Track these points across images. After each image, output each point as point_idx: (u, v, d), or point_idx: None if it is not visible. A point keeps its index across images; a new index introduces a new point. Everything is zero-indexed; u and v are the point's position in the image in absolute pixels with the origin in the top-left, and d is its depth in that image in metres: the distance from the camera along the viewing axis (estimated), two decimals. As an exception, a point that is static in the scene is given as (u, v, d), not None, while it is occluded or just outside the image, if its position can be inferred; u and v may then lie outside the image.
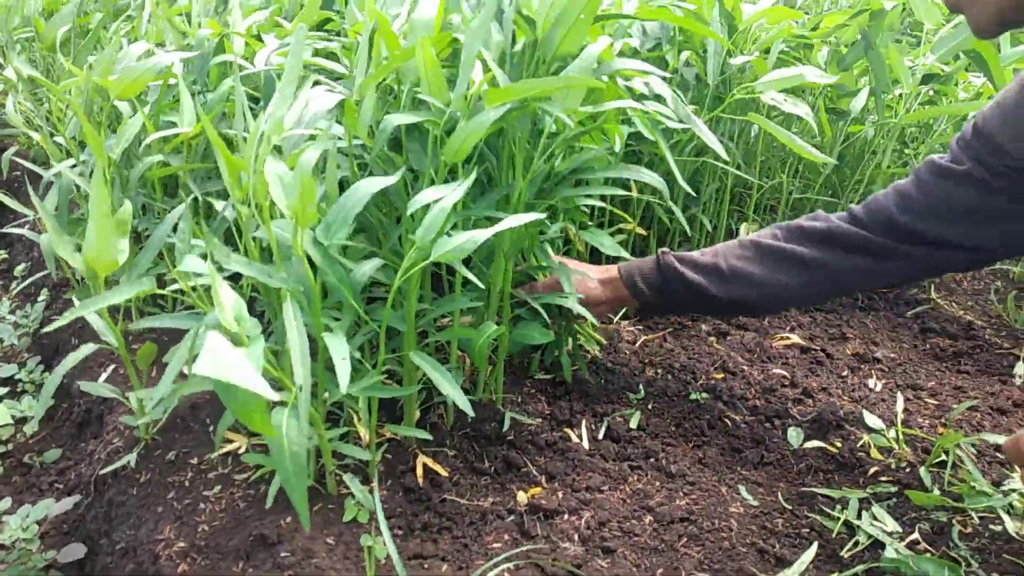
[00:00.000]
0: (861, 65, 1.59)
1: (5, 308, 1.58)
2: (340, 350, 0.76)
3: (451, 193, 0.83)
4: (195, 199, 1.11)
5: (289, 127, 0.83)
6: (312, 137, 0.95)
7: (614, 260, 1.50)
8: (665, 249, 1.17)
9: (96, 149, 0.81)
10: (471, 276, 0.90)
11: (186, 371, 0.94)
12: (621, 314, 1.43)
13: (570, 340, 1.24)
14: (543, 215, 0.89)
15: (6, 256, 1.97)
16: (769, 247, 1.11)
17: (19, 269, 1.80)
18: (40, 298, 1.57)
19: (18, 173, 2.26)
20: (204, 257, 0.81)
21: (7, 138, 2.39)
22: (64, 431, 1.29)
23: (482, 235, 0.81)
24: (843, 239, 1.07)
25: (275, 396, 0.57)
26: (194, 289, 0.84)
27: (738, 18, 1.43)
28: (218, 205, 0.90)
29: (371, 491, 0.92)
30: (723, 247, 1.14)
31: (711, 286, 1.11)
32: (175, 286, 0.93)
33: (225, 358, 0.58)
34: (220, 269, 0.77)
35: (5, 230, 1.62)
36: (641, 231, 1.54)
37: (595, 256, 1.55)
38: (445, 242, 0.81)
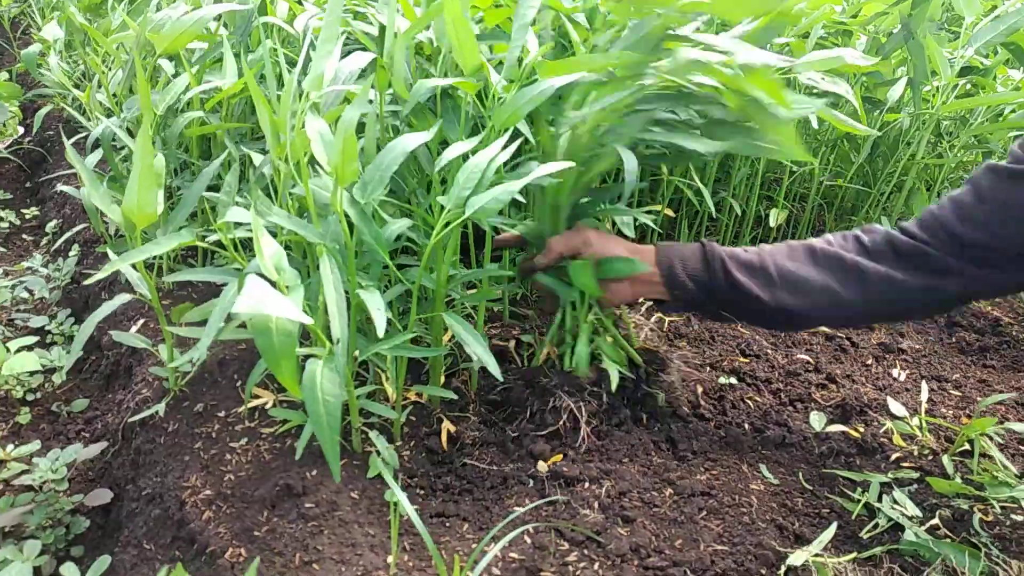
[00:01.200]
0: (899, 55, 1.57)
1: (38, 261, 1.61)
2: (376, 302, 0.76)
3: (487, 150, 0.83)
4: (231, 157, 1.11)
5: (327, 84, 0.84)
6: (347, 97, 0.95)
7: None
8: (710, 241, 1.04)
9: (145, 102, 0.82)
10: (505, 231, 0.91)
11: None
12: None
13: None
14: (571, 163, 0.88)
15: (37, 213, 2.00)
16: (825, 253, 0.99)
17: (50, 225, 1.83)
18: (71, 253, 1.59)
19: (51, 132, 2.28)
20: (248, 208, 0.82)
21: (40, 98, 2.42)
22: (92, 382, 1.31)
23: (516, 186, 0.81)
24: (904, 253, 0.96)
25: (309, 320, 0.58)
26: (233, 244, 0.85)
27: (778, 1, 1.42)
28: (257, 160, 0.91)
29: (396, 449, 0.93)
30: (771, 248, 1.02)
31: (758, 289, 0.98)
32: (210, 239, 0.94)
33: (266, 298, 0.59)
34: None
35: (43, 180, 1.64)
36: (670, 212, 1.53)
37: (622, 234, 1.55)
38: (480, 197, 0.81)
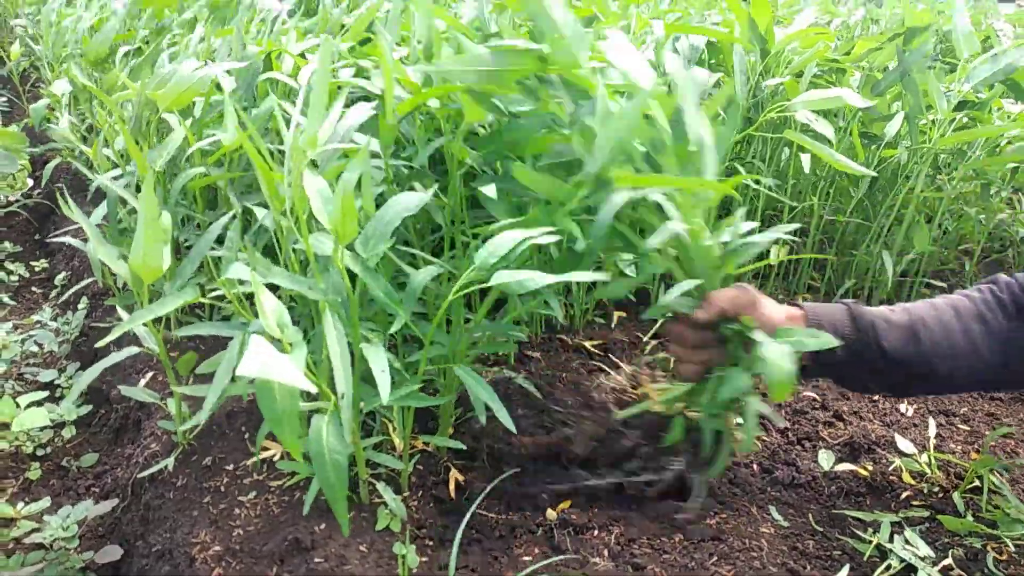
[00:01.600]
0: (895, 90, 1.59)
1: (47, 315, 1.62)
2: (379, 362, 0.77)
3: (526, 232, 0.83)
4: (237, 212, 1.13)
5: (324, 141, 0.85)
6: (346, 153, 0.97)
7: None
8: (850, 300, 0.99)
9: (138, 159, 0.84)
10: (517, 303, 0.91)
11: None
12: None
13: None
14: (606, 277, 0.88)
15: (46, 265, 2.02)
16: (968, 312, 0.93)
17: (59, 278, 1.85)
18: (80, 306, 1.61)
19: (60, 185, 2.32)
20: (248, 266, 0.83)
21: (49, 152, 2.47)
22: (101, 436, 1.31)
23: (545, 279, 0.80)
24: None
25: (313, 389, 0.59)
26: (237, 298, 0.86)
27: (771, 41, 1.45)
28: (259, 214, 0.93)
29: (404, 500, 0.93)
30: (914, 307, 0.97)
31: (906, 352, 0.92)
32: (214, 294, 0.95)
33: (270, 360, 0.60)
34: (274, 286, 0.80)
35: (50, 238, 1.66)
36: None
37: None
38: (507, 273, 0.80)
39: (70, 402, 0.93)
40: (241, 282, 0.94)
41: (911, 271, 1.69)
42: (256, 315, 0.86)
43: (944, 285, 1.71)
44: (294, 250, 0.95)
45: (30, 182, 2.41)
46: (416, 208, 0.83)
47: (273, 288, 1.00)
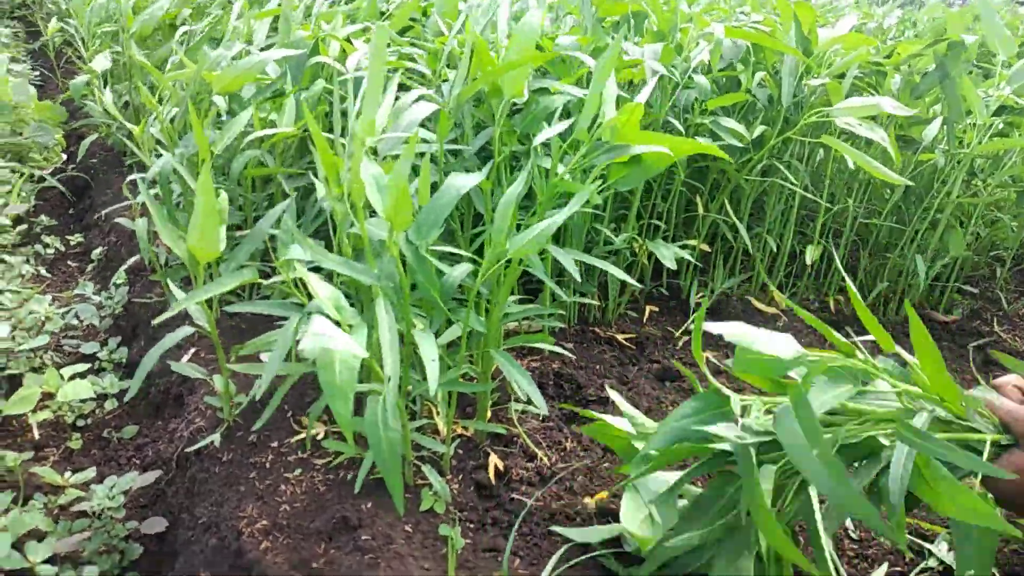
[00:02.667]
0: (933, 94, 1.59)
1: (89, 289, 1.65)
2: (430, 351, 0.79)
3: (514, 186, 0.86)
4: (286, 195, 1.15)
5: (382, 129, 0.87)
6: (407, 141, 0.98)
7: (674, 275, 1.51)
8: None
9: (200, 142, 0.85)
10: (550, 283, 0.93)
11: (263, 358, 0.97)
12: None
13: None
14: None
15: (82, 239, 2.05)
16: None
17: (96, 252, 1.87)
18: (120, 281, 1.63)
19: (94, 160, 2.34)
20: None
21: (86, 127, 2.49)
22: (141, 409, 1.33)
23: (559, 218, 0.83)
24: None
25: (364, 352, 0.61)
26: (292, 280, 0.88)
27: (814, 42, 1.45)
28: (319, 194, 0.95)
29: (446, 483, 0.95)
30: None
31: None
32: (273, 279, 0.97)
33: (332, 334, 0.62)
34: (318, 268, 0.81)
35: (104, 218, 1.68)
36: (705, 247, 1.55)
37: (658, 269, 1.57)
38: (519, 237, 0.83)
39: (134, 386, 0.94)
40: (300, 263, 0.95)
41: (943, 276, 1.69)
42: (310, 296, 0.88)
43: (976, 291, 1.71)
44: (347, 235, 0.97)
45: (64, 156, 2.44)
46: (468, 188, 0.84)
47: (318, 270, 1.02)
